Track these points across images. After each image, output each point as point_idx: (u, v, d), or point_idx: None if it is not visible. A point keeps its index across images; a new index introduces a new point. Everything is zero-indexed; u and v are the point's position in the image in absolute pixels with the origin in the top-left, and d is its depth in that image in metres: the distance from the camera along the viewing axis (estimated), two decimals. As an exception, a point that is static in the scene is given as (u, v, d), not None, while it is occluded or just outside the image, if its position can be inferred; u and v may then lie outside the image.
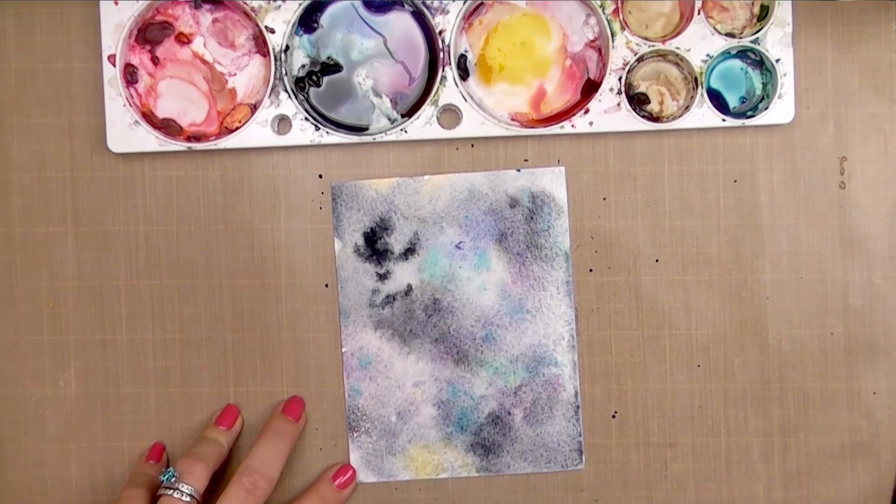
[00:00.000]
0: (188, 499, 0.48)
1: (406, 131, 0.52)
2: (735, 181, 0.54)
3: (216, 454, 0.51)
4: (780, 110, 0.52)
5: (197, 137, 0.53)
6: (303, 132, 0.52)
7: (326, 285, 0.54)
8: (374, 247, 0.53)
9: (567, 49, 0.53)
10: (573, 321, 0.53)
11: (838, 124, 0.53)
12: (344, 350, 0.54)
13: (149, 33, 0.53)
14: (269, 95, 0.52)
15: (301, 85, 0.53)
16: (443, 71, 0.52)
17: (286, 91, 0.52)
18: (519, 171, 0.53)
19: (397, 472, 0.54)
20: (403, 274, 0.54)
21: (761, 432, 0.54)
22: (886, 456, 0.54)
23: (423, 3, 0.52)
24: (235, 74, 0.53)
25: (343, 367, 0.54)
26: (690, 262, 0.54)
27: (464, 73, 0.53)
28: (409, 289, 0.53)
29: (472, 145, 0.54)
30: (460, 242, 0.53)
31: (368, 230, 0.54)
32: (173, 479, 0.48)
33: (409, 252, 0.53)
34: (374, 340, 0.54)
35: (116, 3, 0.52)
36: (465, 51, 0.53)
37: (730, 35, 0.52)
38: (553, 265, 0.53)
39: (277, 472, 0.50)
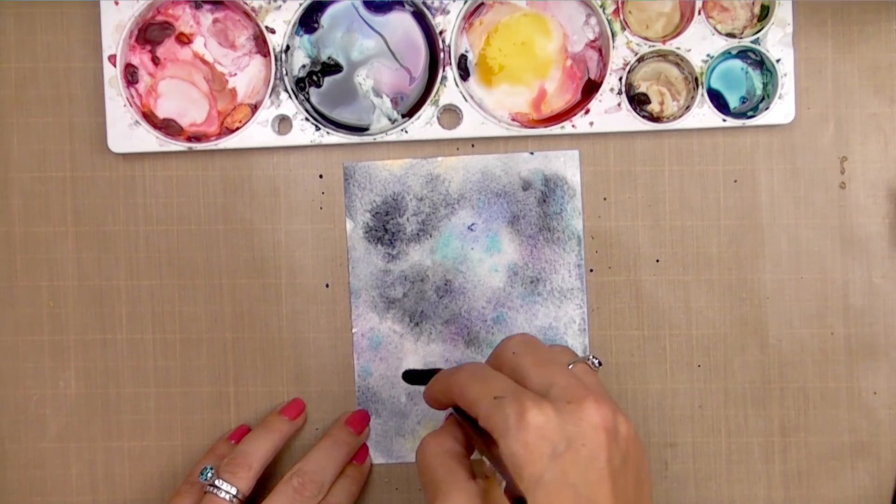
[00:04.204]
0: (232, 500, 0.48)
1: (406, 131, 0.52)
2: (735, 181, 0.54)
3: (270, 448, 0.50)
4: (780, 110, 0.52)
5: (197, 137, 0.53)
6: (303, 132, 0.52)
7: (327, 285, 0.54)
8: (386, 227, 0.53)
9: (567, 49, 0.53)
10: (585, 304, 0.53)
11: (838, 124, 0.53)
12: (354, 331, 0.54)
13: (149, 33, 0.53)
14: (270, 95, 0.52)
15: (301, 85, 0.53)
16: (443, 71, 0.52)
17: (286, 91, 0.52)
18: (532, 153, 0.53)
19: (406, 453, 0.54)
20: (415, 255, 0.54)
21: (761, 432, 0.54)
22: (886, 456, 0.54)
23: (424, 3, 0.52)
24: (236, 74, 0.53)
25: (353, 347, 0.54)
26: (690, 262, 0.54)
27: (464, 73, 0.53)
28: (421, 270, 0.53)
29: (473, 145, 0.54)
30: (472, 224, 0.53)
31: (381, 211, 0.54)
32: (210, 476, 0.48)
33: (420, 233, 0.53)
34: (385, 321, 0.54)
35: (117, 3, 0.52)
36: (466, 51, 0.53)
37: (730, 35, 0.52)
38: (565, 248, 0.53)
39: (329, 479, 0.50)
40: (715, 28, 0.52)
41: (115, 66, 0.52)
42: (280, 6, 0.52)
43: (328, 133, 0.52)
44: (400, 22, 0.53)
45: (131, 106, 0.52)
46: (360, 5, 0.53)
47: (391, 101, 0.53)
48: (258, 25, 0.52)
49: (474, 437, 0.41)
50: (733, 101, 0.53)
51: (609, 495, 0.38)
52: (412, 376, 0.53)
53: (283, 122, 0.53)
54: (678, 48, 0.52)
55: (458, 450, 0.42)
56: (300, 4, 0.52)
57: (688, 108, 0.52)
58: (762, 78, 0.53)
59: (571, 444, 0.38)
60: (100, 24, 0.52)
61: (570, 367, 0.43)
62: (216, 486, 0.48)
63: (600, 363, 0.44)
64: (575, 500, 0.37)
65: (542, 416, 0.38)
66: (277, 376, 0.54)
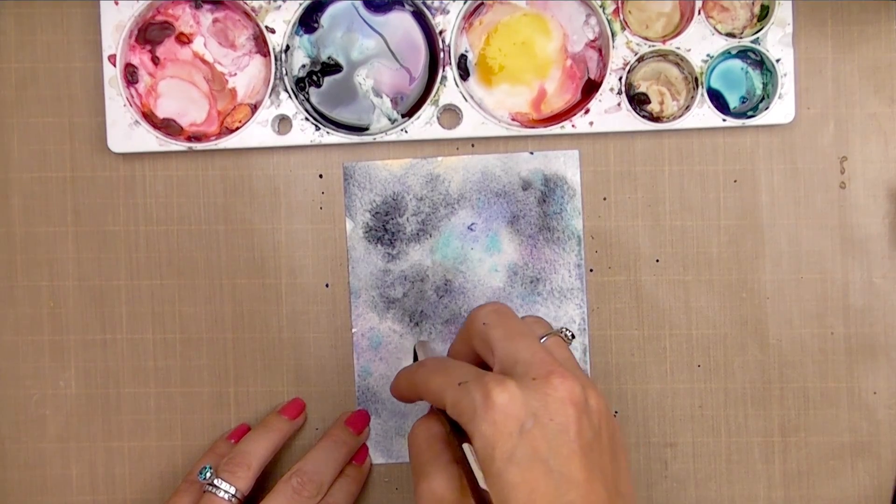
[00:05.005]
0: (231, 499, 0.48)
1: (406, 131, 0.52)
2: (735, 181, 0.54)
3: (269, 448, 0.50)
4: (780, 110, 0.52)
5: (197, 137, 0.53)
6: (303, 132, 0.53)
7: (327, 285, 0.54)
8: (386, 227, 0.53)
9: (567, 49, 0.53)
10: (585, 304, 0.53)
11: (838, 124, 0.54)
12: (354, 331, 0.54)
13: (149, 33, 0.53)
14: (270, 95, 0.52)
15: (301, 85, 0.53)
16: (443, 71, 0.52)
17: (286, 91, 0.52)
18: (532, 153, 0.53)
19: (406, 453, 0.54)
20: (415, 255, 0.54)
21: (761, 432, 0.54)
22: (886, 456, 0.54)
23: (424, 3, 0.52)
24: (236, 74, 0.53)
25: (353, 347, 0.54)
26: (691, 262, 0.54)
27: (464, 73, 0.53)
28: (421, 270, 0.53)
29: (473, 145, 0.54)
30: (472, 224, 0.53)
31: (381, 211, 0.54)
32: (209, 476, 0.48)
33: (420, 233, 0.53)
34: (385, 321, 0.54)
35: (117, 3, 0.52)
36: (466, 51, 0.53)
37: (730, 35, 0.52)
38: (565, 248, 0.53)
39: (328, 479, 0.50)
40: (715, 28, 0.52)
41: (115, 66, 0.52)
42: (280, 6, 0.52)
43: (328, 133, 0.52)
44: (400, 22, 0.53)
45: (131, 106, 0.52)
46: (360, 5, 0.53)
47: (391, 100, 0.53)
48: (258, 25, 0.52)
49: (450, 434, 0.41)
50: (733, 101, 0.53)
51: (582, 469, 0.38)
52: None
53: (283, 122, 0.53)
54: (678, 48, 0.52)
55: (446, 434, 0.42)
56: (300, 4, 0.52)
57: (688, 107, 0.52)
58: (762, 78, 0.53)
59: (539, 419, 0.38)
60: (100, 24, 0.52)
61: (542, 340, 0.42)
62: (215, 486, 0.48)
63: (573, 336, 0.44)
64: (547, 474, 0.37)
65: (506, 394, 0.38)
66: (277, 376, 0.54)
